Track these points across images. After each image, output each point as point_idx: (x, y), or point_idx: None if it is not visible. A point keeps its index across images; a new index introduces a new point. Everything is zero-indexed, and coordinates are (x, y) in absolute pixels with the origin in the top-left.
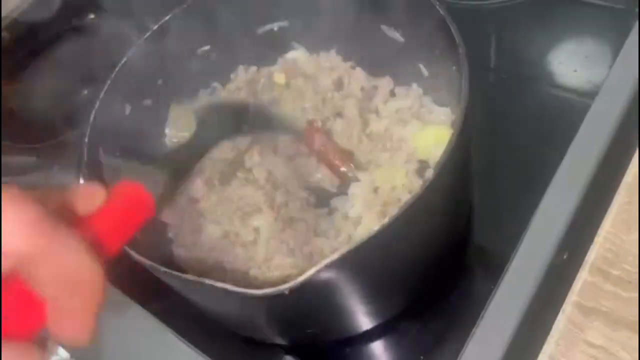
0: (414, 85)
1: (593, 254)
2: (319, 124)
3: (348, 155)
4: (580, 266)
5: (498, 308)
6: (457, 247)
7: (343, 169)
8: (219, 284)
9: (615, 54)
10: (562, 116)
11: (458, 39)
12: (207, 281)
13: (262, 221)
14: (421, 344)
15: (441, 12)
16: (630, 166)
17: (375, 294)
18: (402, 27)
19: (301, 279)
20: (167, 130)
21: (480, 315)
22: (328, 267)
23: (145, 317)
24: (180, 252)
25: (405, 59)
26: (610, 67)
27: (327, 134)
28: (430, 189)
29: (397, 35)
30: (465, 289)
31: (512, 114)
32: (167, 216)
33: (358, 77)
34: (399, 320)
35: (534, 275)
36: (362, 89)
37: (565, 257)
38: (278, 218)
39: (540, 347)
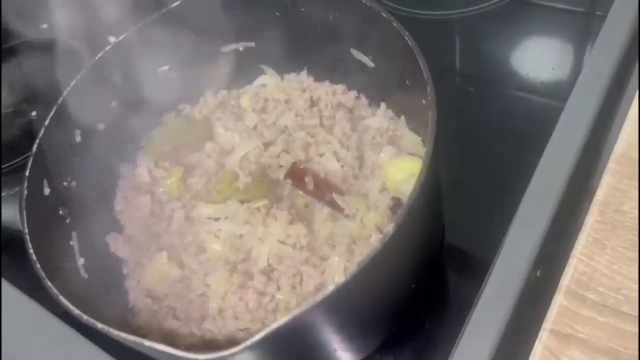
0: (383, 106)
1: (568, 277)
2: (304, 164)
3: (335, 185)
4: (554, 289)
5: (473, 334)
6: (427, 278)
7: (337, 200)
8: (160, 347)
9: (579, 55)
10: (532, 126)
11: (426, 74)
12: (147, 343)
13: (216, 278)
14: None
15: (410, 43)
16: (601, 184)
17: (341, 341)
18: (373, 52)
19: (239, 347)
20: (139, 161)
21: (456, 343)
22: (281, 327)
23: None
24: (132, 294)
25: (376, 83)
26: (576, 70)
27: (312, 171)
28: (389, 245)
29: (367, 60)
30: (440, 316)
31: (482, 125)
32: (123, 251)
33: (335, 95)
34: (372, 356)
35: (508, 298)
36: (340, 106)
37: (538, 274)
38: (235, 275)
39: None
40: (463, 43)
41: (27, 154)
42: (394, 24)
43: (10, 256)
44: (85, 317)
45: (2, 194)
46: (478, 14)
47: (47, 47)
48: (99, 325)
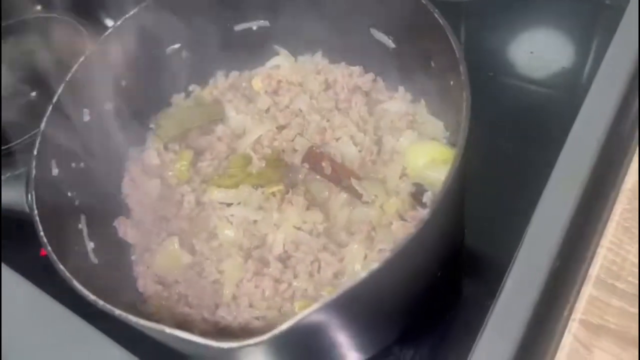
0: (401, 89)
1: (597, 267)
2: (320, 148)
3: (352, 171)
4: (582, 279)
5: (497, 325)
6: (450, 268)
7: (355, 185)
8: (182, 334)
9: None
10: (552, 117)
11: (459, 54)
12: (168, 330)
13: (229, 264)
14: None
15: (440, 21)
16: (630, 172)
17: (364, 331)
18: (395, 32)
19: (268, 335)
20: (148, 143)
21: (479, 334)
22: (307, 317)
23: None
24: (141, 280)
25: (395, 65)
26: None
27: (329, 155)
28: (423, 231)
29: (387, 40)
30: (459, 308)
31: (499, 115)
32: (131, 235)
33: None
34: (392, 347)
35: (532, 289)
36: (356, 89)
37: (558, 264)
38: (249, 261)
39: None
40: (471, 30)
41: (27, 136)
42: (423, 1)
43: (13, 241)
44: (101, 303)
45: (4, 176)
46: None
47: (46, 26)
48: (116, 312)
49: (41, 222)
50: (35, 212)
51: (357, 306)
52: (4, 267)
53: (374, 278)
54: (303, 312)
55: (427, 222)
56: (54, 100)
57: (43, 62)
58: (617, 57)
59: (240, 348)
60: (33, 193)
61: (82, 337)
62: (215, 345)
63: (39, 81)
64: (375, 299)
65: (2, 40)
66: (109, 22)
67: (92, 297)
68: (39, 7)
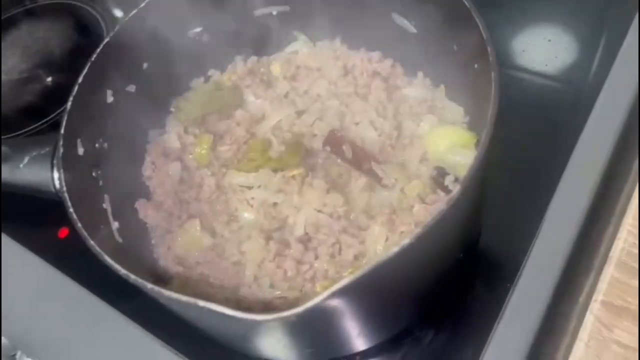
0: (420, 74)
1: (618, 249)
2: (340, 132)
3: (372, 154)
4: (600, 264)
5: (517, 308)
6: (471, 250)
7: (375, 169)
8: (216, 307)
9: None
10: (568, 106)
11: (486, 35)
12: (201, 303)
13: (251, 245)
14: (436, 351)
15: (467, 4)
16: None
17: (387, 310)
18: (417, 17)
19: (301, 308)
20: (168, 127)
21: (499, 316)
22: (334, 295)
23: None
24: (162, 261)
25: (415, 51)
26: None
27: (349, 139)
28: (454, 207)
29: (409, 25)
30: (479, 290)
31: (514, 105)
32: (152, 217)
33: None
34: (412, 329)
35: (551, 272)
36: (375, 75)
37: (574, 251)
38: (271, 243)
39: (570, 349)
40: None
41: (46, 119)
42: None
43: (31, 223)
44: (133, 277)
45: (26, 156)
46: None
47: (61, 12)
48: (148, 286)
49: (70, 198)
50: (64, 188)
51: (384, 284)
52: (21, 248)
53: (404, 254)
54: (341, 282)
55: (457, 200)
56: (80, 80)
57: (58, 47)
58: (632, 49)
59: (274, 320)
60: (62, 171)
61: (101, 316)
62: (249, 317)
63: (55, 66)
64: (401, 277)
65: (16, 27)
66: (117, 12)
67: (123, 271)
68: None
